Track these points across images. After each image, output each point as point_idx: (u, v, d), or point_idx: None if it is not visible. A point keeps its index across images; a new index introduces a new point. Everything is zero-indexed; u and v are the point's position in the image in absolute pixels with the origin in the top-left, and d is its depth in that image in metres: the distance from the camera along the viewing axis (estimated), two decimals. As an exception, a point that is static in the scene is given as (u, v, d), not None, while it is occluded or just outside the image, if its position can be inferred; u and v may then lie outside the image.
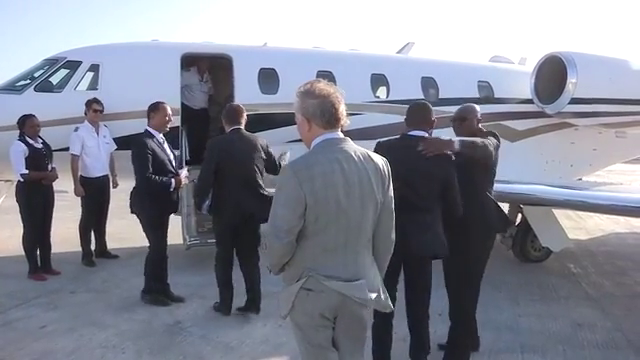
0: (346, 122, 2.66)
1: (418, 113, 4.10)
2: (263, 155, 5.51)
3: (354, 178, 2.55)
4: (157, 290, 5.82)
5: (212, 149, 5.35)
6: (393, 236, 2.80)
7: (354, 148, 2.64)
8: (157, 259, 5.76)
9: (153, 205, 5.56)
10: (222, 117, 5.67)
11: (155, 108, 5.73)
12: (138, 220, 5.77)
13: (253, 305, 5.51)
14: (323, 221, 2.52)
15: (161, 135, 5.77)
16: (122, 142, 7.39)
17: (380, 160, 2.70)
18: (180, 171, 5.80)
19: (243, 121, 5.55)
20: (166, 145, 5.81)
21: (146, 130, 5.70)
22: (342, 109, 2.63)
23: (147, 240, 5.81)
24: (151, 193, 5.52)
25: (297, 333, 2.74)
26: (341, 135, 2.66)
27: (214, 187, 5.33)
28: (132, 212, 5.74)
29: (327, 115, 2.59)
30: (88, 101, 7.10)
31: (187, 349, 4.68)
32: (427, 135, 4.02)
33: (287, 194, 2.51)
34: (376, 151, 3.79)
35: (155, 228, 5.70)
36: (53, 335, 4.91)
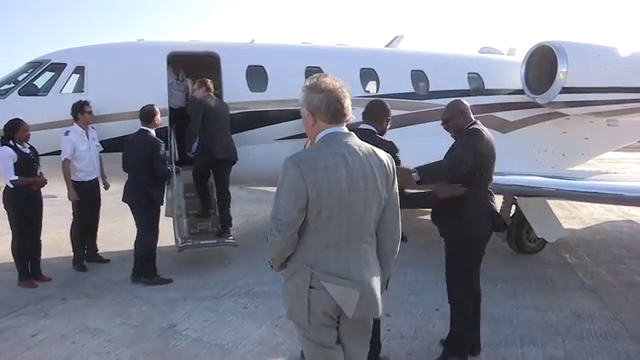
0: (352, 117, 2.62)
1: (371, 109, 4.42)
2: (228, 113, 7.47)
3: (358, 172, 2.51)
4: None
5: (199, 106, 7.18)
6: (399, 234, 2.74)
7: (358, 143, 2.60)
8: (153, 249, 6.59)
9: (159, 193, 6.63)
10: (196, 87, 7.49)
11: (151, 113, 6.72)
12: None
13: (226, 224, 7.32)
14: (325, 215, 2.47)
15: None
16: (109, 144, 7.30)
17: (385, 156, 2.66)
18: None
19: (212, 89, 7.45)
20: None
21: (147, 130, 6.63)
22: (348, 104, 2.59)
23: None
24: (158, 182, 6.60)
25: (299, 332, 2.66)
26: (346, 130, 2.61)
27: (200, 134, 7.11)
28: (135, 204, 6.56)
29: (332, 110, 2.55)
30: (80, 105, 6.97)
31: (182, 353, 4.60)
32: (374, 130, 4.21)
33: (289, 186, 2.46)
34: None
35: (156, 215, 6.63)
36: (44, 344, 4.80)
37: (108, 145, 7.29)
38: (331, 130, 2.57)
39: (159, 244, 6.36)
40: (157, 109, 6.72)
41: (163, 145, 6.59)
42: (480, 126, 4.23)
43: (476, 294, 4.39)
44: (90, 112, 7.01)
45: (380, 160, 2.60)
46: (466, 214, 4.10)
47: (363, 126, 4.21)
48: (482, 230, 4.22)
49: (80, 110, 6.96)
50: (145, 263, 6.47)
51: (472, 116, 4.33)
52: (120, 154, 7.10)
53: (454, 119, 4.33)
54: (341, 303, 2.49)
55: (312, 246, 2.52)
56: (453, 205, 4.13)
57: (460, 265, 4.23)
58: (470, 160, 4.03)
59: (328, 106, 2.54)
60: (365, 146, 2.60)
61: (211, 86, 7.43)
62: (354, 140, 2.59)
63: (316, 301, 2.51)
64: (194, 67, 8.60)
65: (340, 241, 2.52)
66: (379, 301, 2.62)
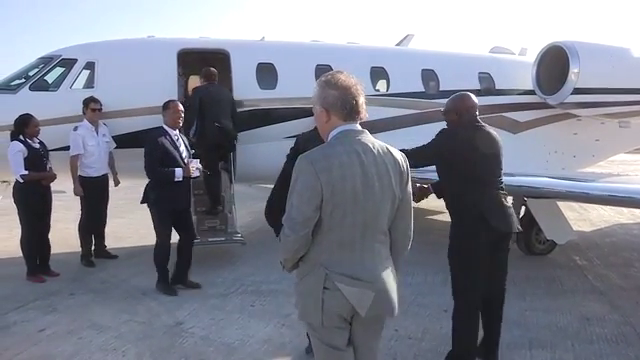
0: (365, 115, 2.57)
1: None
2: (230, 99, 7.63)
3: (372, 170, 2.47)
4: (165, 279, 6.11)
5: (197, 93, 7.43)
6: (411, 233, 2.70)
7: (372, 140, 2.55)
8: (161, 254, 6.08)
9: (162, 196, 5.92)
10: (200, 77, 7.62)
11: (166, 106, 6.08)
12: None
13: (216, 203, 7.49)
14: (339, 214, 2.43)
15: (176, 132, 6.06)
16: (120, 140, 7.34)
17: (399, 155, 2.62)
18: (189, 161, 6.05)
19: (216, 79, 7.53)
20: (181, 141, 6.12)
21: (161, 127, 6.04)
22: (362, 102, 2.55)
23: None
24: (161, 186, 5.91)
25: (310, 333, 2.64)
26: (359, 127, 2.57)
27: (198, 119, 7.24)
28: (142, 202, 6.12)
29: (348, 107, 2.51)
30: (86, 100, 7.01)
31: (189, 350, 4.59)
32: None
33: (303, 185, 2.42)
34: (296, 144, 4.40)
35: (161, 222, 6.01)
36: (52, 339, 4.81)
37: (118, 141, 7.33)
38: (345, 127, 2.52)
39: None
40: (172, 104, 6.06)
41: (160, 143, 5.83)
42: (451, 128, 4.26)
43: (493, 297, 4.29)
44: (95, 109, 7.02)
45: (395, 158, 2.56)
46: (463, 214, 4.07)
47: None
48: (476, 230, 4.02)
49: (85, 106, 7.00)
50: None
51: (473, 117, 4.17)
52: (130, 150, 7.15)
53: (447, 115, 4.31)
54: (356, 304, 2.46)
55: (326, 246, 2.48)
56: (452, 205, 4.17)
57: (455, 265, 4.14)
58: (426, 157, 4.23)
59: (344, 103, 2.50)
60: (379, 144, 2.56)
61: (210, 74, 7.49)
62: (368, 138, 2.54)
63: (330, 302, 2.46)
64: (204, 64, 8.60)
65: (354, 240, 2.48)
66: (394, 301, 2.58)
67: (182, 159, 5.99)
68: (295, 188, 2.45)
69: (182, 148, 6.07)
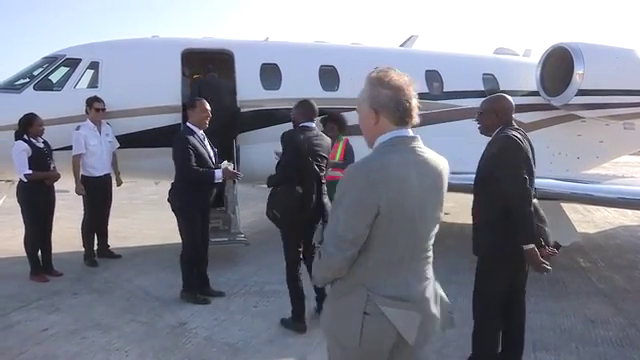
0: (417, 120, 2.28)
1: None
2: (230, 88, 7.97)
3: (428, 182, 2.23)
4: (196, 287, 5.87)
5: (196, 83, 8.07)
6: None
7: (425, 149, 2.29)
8: (191, 256, 5.83)
9: (192, 199, 5.63)
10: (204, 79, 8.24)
11: (192, 105, 5.80)
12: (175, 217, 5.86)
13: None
14: (394, 231, 2.16)
15: (201, 131, 5.75)
16: (122, 140, 7.34)
17: (446, 164, 2.35)
18: (223, 164, 5.82)
19: (215, 74, 8.17)
20: (207, 142, 5.80)
21: (187, 126, 5.79)
22: (415, 104, 2.26)
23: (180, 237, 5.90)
24: (192, 186, 5.59)
25: (335, 349, 2.32)
26: (412, 133, 2.28)
27: None
28: (172, 210, 5.80)
29: (402, 109, 2.22)
30: (89, 100, 7.03)
31: (192, 351, 4.58)
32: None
33: (355, 198, 2.13)
34: (282, 140, 4.93)
35: (190, 223, 5.72)
36: (55, 338, 4.81)
37: (121, 141, 7.33)
38: (397, 133, 2.24)
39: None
40: (199, 102, 5.75)
41: (192, 142, 5.49)
42: (510, 131, 3.95)
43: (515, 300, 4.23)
44: (99, 109, 7.03)
45: (445, 166, 2.33)
46: (498, 227, 3.87)
47: (306, 124, 4.94)
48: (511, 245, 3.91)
49: (89, 105, 7.02)
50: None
51: (511, 118, 4.06)
52: (134, 150, 7.14)
53: (485, 115, 4.09)
54: (401, 328, 2.17)
55: (372, 265, 2.21)
56: (499, 218, 3.87)
57: (492, 282, 4.00)
58: (525, 176, 3.81)
59: (397, 104, 2.22)
60: (431, 152, 2.30)
61: (210, 70, 8.23)
62: (422, 145, 2.28)
63: (370, 327, 2.17)
64: (208, 64, 8.61)
65: (403, 259, 2.22)
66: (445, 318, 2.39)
67: (211, 159, 5.71)
68: (344, 202, 2.17)
69: (209, 148, 5.78)
